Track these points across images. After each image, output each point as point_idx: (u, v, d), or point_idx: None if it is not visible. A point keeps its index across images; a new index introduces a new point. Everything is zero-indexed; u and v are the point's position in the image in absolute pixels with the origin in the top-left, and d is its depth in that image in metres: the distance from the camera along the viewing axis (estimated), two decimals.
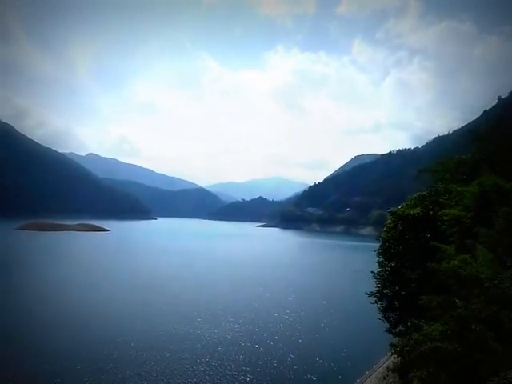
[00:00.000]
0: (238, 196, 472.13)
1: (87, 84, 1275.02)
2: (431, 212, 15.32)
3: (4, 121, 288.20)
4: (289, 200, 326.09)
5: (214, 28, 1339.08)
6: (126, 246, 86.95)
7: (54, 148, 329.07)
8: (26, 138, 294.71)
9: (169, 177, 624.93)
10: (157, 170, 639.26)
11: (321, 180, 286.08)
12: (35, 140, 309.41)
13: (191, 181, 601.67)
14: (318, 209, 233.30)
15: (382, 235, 16.74)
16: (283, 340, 24.09)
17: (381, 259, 16.49)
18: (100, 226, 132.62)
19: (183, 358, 20.41)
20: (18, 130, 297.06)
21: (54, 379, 17.28)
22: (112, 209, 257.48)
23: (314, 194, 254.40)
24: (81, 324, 25.59)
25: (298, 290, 41.09)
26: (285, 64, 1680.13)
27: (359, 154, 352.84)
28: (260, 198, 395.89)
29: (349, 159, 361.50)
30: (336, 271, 59.20)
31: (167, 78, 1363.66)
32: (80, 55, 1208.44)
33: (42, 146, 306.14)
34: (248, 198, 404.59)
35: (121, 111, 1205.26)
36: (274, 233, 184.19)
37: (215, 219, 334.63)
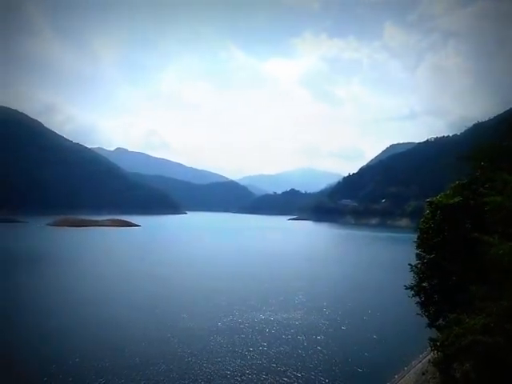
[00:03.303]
0: (269, 189, 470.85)
1: (113, 78, 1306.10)
2: (471, 201, 14.70)
3: (32, 117, 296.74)
4: (321, 192, 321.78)
5: (239, 16, 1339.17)
6: (158, 241, 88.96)
7: (82, 143, 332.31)
8: (55, 133, 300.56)
9: (199, 170, 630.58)
10: (187, 164, 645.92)
11: (355, 170, 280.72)
12: (63, 136, 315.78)
13: (221, 174, 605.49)
14: (353, 200, 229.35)
15: (420, 226, 16.22)
16: (324, 333, 23.97)
17: (419, 251, 16.02)
18: (130, 221, 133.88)
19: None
20: (46, 125, 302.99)
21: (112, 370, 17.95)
22: (141, 204, 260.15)
23: (348, 186, 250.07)
24: (130, 315, 26.44)
25: (336, 283, 40.79)
26: (313, 51, 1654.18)
27: (394, 142, 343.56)
28: (292, 190, 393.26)
29: (384, 148, 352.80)
30: (373, 264, 58.20)
31: (193, 69, 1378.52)
32: (105, 49, 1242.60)
33: (70, 141, 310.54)
34: (279, 191, 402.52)
35: (148, 104, 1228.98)
36: (308, 226, 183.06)
37: (246, 213, 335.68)
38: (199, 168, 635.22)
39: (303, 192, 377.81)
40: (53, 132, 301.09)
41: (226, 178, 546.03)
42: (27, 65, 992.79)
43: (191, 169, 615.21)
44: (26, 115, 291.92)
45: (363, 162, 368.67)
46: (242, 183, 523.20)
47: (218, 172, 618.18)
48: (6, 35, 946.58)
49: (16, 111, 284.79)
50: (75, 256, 58.72)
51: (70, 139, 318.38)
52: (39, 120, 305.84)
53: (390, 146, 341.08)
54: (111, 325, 24.48)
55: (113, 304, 29.84)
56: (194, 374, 17.57)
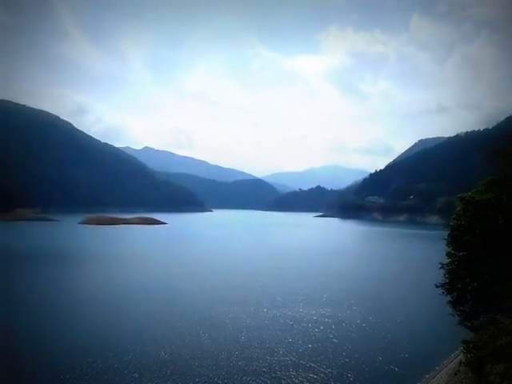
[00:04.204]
0: (295, 186, 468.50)
1: (141, 78, 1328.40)
2: (504, 198, 14.23)
3: (64, 118, 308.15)
4: (348, 189, 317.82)
5: (264, 14, 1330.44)
6: (186, 239, 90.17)
7: (110, 143, 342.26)
8: (85, 134, 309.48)
9: (224, 168, 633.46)
10: (212, 162, 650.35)
11: (382, 167, 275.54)
12: (93, 136, 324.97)
13: (247, 171, 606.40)
14: (380, 197, 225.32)
15: (451, 223, 15.82)
16: (353, 330, 23.79)
17: (450, 249, 15.63)
18: (157, 219, 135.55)
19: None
20: (76, 126, 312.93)
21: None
22: (168, 202, 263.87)
23: (376, 182, 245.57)
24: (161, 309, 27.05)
25: (365, 280, 40.38)
26: (339, 46, 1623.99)
27: (423, 137, 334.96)
28: (318, 187, 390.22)
29: (412, 144, 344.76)
30: (402, 261, 57.17)
31: (219, 67, 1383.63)
32: (133, 50, 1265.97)
33: (99, 141, 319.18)
34: (305, 188, 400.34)
35: (174, 103, 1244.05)
36: (334, 223, 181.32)
37: (271, 210, 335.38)
38: (224, 166, 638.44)
39: (329, 189, 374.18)
40: (83, 133, 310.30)
41: (252, 176, 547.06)
42: (60, 68, 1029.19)
43: (216, 167, 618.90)
44: (58, 117, 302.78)
45: (391, 158, 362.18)
46: (267, 181, 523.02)
47: (243, 170, 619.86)
48: (40, 40, 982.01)
49: (49, 113, 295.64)
50: (113, 253, 60.67)
51: (100, 139, 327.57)
52: (70, 121, 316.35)
53: (419, 141, 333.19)
54: (149, 319, 25.05)
55: (152, 298, 30.51)
56: (225, 370, 17.77)
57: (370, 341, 22.13)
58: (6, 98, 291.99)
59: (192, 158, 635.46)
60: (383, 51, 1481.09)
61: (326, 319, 25.90)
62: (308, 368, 18.18)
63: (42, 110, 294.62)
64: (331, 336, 22.65)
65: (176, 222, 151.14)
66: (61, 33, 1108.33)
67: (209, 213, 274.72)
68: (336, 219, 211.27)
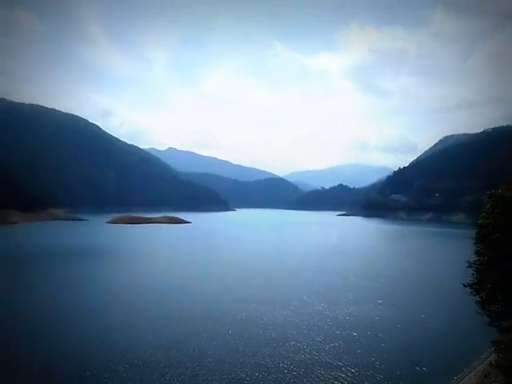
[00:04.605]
0: (317, 184, 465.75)
1: (163, 79, 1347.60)
2: None
3: (91, 121, 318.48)
4: (371, 187, 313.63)
5: (284, 13, 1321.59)
6: (209, 237, 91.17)
7: (135, 144, 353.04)
8: (111, 136, 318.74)
9: (246, 167, 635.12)
10: (234, 161, 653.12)
11: (406, 164, 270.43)
12: (119, 138, 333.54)
13: (269, 171, 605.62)
14: (404, 195, 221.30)
15: (480, 221, 15.38)
16: (379, 329, 23.56)
17: (478, 247, 15.22)
18: (182, 218, 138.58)
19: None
20: (103, 129, 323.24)
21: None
22: (191, 201, 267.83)
23: (399, 180, 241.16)
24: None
25: (390, 279, 39.83)
26: (360, 43, 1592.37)
27: (448, 134, 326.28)
28: (340, 185, 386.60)
29: (436, 140, 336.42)
30: (427, 260, 56.17)
31: (240, 67, 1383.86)
32: (154, 52, 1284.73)
33: (125, 143, 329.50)
34: (327, 186, 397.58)
35: (197, 104, 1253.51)
36: (357, 221, 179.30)
37: (294, 209, 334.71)
38: (247, 166, 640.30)
39: (352, 187, 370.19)
40: (110, 135, 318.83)
41: (274, 175, 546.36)
42: (86, 72, 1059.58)
43: (239, 166, 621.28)
44: (87, 120, 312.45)
45: (414, 156, 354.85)
46: (289, 179, 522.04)
47: (265, 169, 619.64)
48: (68, 47, 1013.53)
49: (77, 117, 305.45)
50: (140, 252, 62.21)
51: (126, 141, 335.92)
52: (98, 124, 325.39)
53: (443, 137, 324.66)
54: (173, 318, 25.51)
55: (177, 297, 31.05)
56: (251, 368, 17.93)
57: (396, 340, 21.91)
58: (36, 103, 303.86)
59: (215, 158, 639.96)
60: (405, 47, 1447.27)
61: (352, 318, 25.80)
62: (334, 367, 18.14)
63: (71, 114, 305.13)
64: (356, 335, 22.54)
65: (200, 221, 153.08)
66: (86, 39, 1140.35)
67: (232, 212, 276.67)
68: (359, 218, 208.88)
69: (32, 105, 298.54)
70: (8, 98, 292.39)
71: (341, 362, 18.67)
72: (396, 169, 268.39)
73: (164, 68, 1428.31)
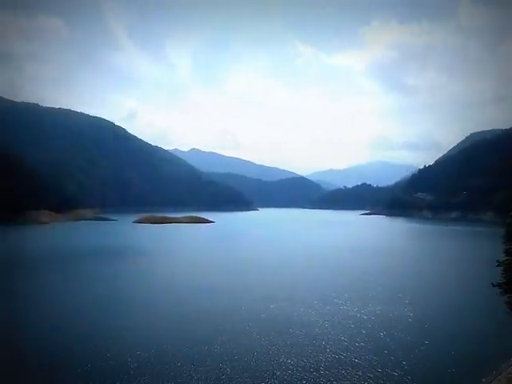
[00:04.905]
0: (340, 183, 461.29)
1: (187, 81, 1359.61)
2: None
3: (117, 124, 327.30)
4: (395, 185, 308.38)
5: (306, 12, 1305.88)
6: (232, 237, 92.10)
7: (160, 146, 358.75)
8: (137, 138, 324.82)
9: (268, 167, 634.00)
10: (256, 161, 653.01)
11: (431, 162, 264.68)
12: (144, 139, 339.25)
13: (291, 170, 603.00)
14: (429, 194, 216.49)
15: (508, 220, 15.51)
16: (405, 329, 23.39)
17: (508, 246, 15.35)
18: (205, 217, 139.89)
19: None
20: (129, 131, 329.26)
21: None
22: (215, 201, 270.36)
23: (424, 178, 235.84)
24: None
25: (416, 279, 39.53)
26: (382, 39, 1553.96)
27: (475, 131, 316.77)
28: (363, 184, 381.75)
29: (463, 137, 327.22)
30: (454, 259, 55.14)
31: (262, 67, 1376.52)
32: (177, 53, 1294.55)
33: (150, 144, 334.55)
34: (350, 185, 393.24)
35: (220, 104, 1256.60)
36: (381, 220, 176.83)
37: (316, 208, 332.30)
38: (269, 165, 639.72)
39: (375, 186, 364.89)
40: (135, 137, 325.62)
41: (296, 174, 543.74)
42: (112, 76, 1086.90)
43: (261, 166, 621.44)
44: (113, 123, 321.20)
45: (440, 153, 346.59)
46: (311, 179, 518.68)
47: (287, 168, 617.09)
48: (94, 50, 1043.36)
49: (104, 119, 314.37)
50: (167, 250, 64.03)
51: (150, 142, 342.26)
52: (123, 126, 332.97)
53: (471, 134, 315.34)
54: (197, 317, 26.04)
55: (201, 295, 31.66)
56: (274, 367, 18.14)
57: (422, 340, 21.61)
58: (64, 107, 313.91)
59: (238, 159, 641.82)
60: (429, 42, 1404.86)
61: (376, 317, 25.64)
62: (360, 366, 18.15)
63: (98, 117, 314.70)
64: (382, 334, 22.39)
65: (223, 220, 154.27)
66: (112, 43, 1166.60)
67: (254, 211, 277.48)
68: (383, 217, 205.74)
69: (61, 109, 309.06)
70: (39, 103, 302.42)
71: (366, 361, 18.61)
72: (420, 167, 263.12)
73: (187, 69, 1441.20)
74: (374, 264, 49.06)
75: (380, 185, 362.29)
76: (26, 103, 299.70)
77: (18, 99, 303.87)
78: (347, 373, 17.45)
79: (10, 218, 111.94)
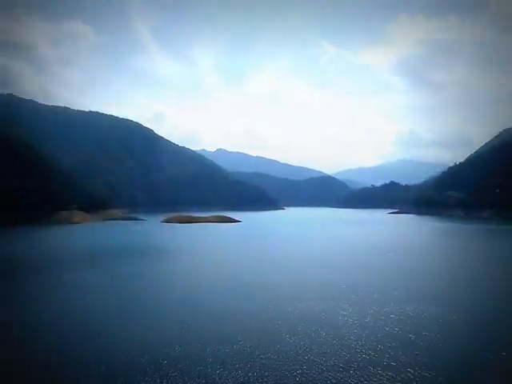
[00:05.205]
0: (367, 182, 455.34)
1: (211, 82, 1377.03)
2: None
3: (145, 125, 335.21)
4: (424, 183, 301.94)
5: (330, 10, 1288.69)
6: (257, 235, 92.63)
7: (187, 147, 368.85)
8: (164, 139, 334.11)
9: (294, 166, 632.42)
10: (282, 160, 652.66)
11: (461, 159, 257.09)
12: (172, 141, 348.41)
13: (317, 169, 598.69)
14: (461, 192, 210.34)
15: None
16: (438, 331, 22.70)
17: None
18: (232, 217, 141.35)
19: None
20: (156, 132, 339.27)
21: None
22: (241, 200, 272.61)
23: (455, 176, 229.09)
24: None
25: (451, 280, 38.44)
26: (409, 34, 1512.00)
27: (508, 127, 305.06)
28: (391, 182, 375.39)
29: (496, 133, 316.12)
30: (495, 260, 53.46)
31: (286, 67, 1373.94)
32: (202, 55, 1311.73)
33: (177, 145, 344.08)
34: (378, 184, 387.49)
35: (245, 105, 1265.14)
36: (411, 219, 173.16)
37: (343, 207, 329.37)
38: (294, 164, 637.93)
39: (403, 184, 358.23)
40: (162, 138, 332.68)
41: (322, 173, 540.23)
42: (138, 79, 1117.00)
43: (286, 165, 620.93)
44: (141, 124, 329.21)
45: (471, 150, 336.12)
46: (338, 177, 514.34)
47: (314, 167, 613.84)
48: (121, 55, 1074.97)
49: (132, 121, 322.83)
50: (197, 249, 65.32)
51: (177, 143, 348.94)
52: (151, 128, 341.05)
53: (503, 130, 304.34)
54: (225, 316, 26.17)
55: (229, 295, 32.10)
56: (303, 367, 18.02)
57: (455, 342, 21.17)
58: (93, 109, 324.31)
59: (263, 158, 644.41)
60: (458, 37, 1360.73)
61: (407, 318, 25.07)
62: (390, 367, 17.85)
63: (126, 119, 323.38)
64: (413, 336, 21.84)
65: (249, 219, 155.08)
66: (138, 47, 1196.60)
67: (281, 211, 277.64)
68: (412, 216, 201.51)
69: (90, 111, 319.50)
70: (69, 106, 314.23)
71: (397, 362, 18.31)
72: (451, 164, 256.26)
73: (211, 70, 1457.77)
74: (408, 264, 48.14)
75: (409, 183, 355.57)
76: (57, 107, 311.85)
77: (49, 103, 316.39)
78: (377, 372, 17.24)
79: (43, 218, 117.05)
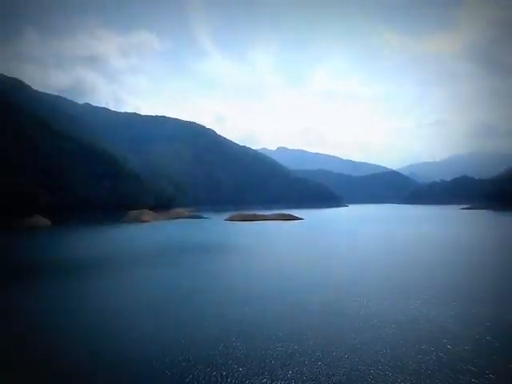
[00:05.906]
0: (436, 176, 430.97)
1: (270, 81, 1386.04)
2: None
3: (208, 127, 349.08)
4: (501, 177, 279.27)
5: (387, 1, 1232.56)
6: (319, 232, 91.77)
7: (248, 146, 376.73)
8: (226, 139, 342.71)
9: (356, 162, 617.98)
10: (343, 157, 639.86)
11: None
12: (233, 140, 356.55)
13: (381, 164, 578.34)
14: None
15: None
16: (473, 338, 20.62)
17: None
18: (294, 214, 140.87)
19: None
20: (218, 133, 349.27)
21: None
22: (303, 198, 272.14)
23: None
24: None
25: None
26: (479, 16, 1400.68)
27: None
28: (463, 176, 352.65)
29: None
30: None
31: (344, 62, 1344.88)
32: (260, 55, 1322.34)
33: (238, 145, 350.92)
34: (448, 178, 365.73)
35: (303, 102, 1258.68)
36: (487, 216, 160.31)
37: (409, 203, 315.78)
38: (356, 160, 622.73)
39: (477, 178, 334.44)
40: (225, 138, 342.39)
41: (386, 168, 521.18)
42: (201, 82, 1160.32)
43: (348, 161, 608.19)
44: (204, 126, 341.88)
45: None
46: (404, 172, 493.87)
47: (377, 163, 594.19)
48: (184, 60, 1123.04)
49: (197, 123, 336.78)
50: (261, 246, 65.34)
51: (239, 143, 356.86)
52: (214, 129, 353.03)
53: None
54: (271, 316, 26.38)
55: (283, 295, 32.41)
56: (372, 366, 17.69)
57: (495, 345, 19.88)
58: (159, 114, 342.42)
59: (324, 155, 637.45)
60: None
61: (450, 321, 23.24)
62: (418, 371, 16.80)
63: (190, 121, 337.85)
64: (444, 341, 20.08)
65: (312, 217, 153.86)
66: (199, 52, 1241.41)
67: (344, 208, 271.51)
68: (488, 211, 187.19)
69: (157, 116, 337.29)
70: (138, 111, 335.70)
71: (426, 365, 17.14)
72: None
73: (269, 70, 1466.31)
74: (482, 264, 45.17)
75: (483, 177, 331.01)
76: (127, 113, 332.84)
77: (121, 109, 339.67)
78: (403, 377, 16.24)
79: (116, 217, 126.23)
